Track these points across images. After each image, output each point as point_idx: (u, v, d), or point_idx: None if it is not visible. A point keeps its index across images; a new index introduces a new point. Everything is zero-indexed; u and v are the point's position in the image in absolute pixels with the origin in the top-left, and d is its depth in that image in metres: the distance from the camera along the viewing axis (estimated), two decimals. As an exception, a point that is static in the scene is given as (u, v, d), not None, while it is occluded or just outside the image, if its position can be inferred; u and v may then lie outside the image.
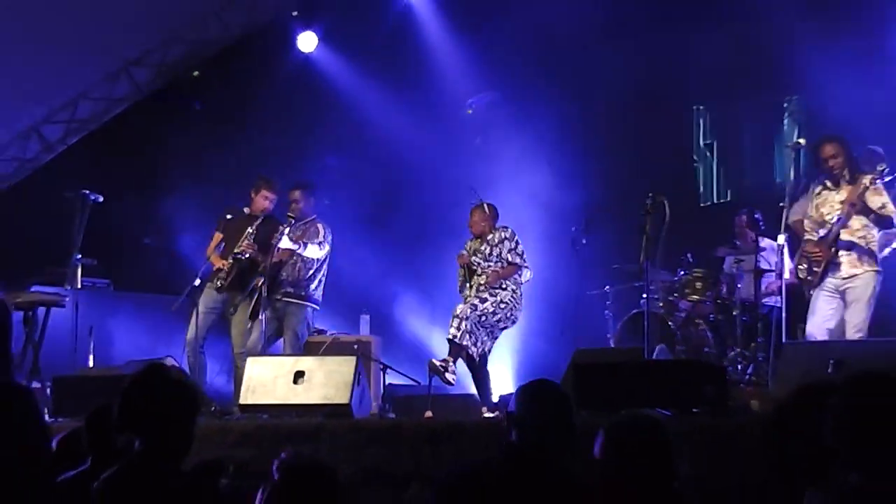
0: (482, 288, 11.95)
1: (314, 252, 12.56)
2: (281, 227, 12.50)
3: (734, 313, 12.78)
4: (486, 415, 11.29)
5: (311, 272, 12.64)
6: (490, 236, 12.14)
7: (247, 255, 12.50)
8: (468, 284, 12.19)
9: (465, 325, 11.64)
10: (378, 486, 8.65)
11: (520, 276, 12.09)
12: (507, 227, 12.22)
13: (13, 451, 4.85)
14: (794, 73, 14.18)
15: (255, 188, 12.78)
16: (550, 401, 5.50)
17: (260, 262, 12.40)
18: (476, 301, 11.79)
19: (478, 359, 11.82)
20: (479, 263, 12.10)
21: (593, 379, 9.14)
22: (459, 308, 11.76)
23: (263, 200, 12.75)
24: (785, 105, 14.94)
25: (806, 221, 10.91)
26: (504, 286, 11.96)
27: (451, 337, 11.64)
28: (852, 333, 10.38)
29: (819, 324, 10.57)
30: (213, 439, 9.25)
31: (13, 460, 4.82)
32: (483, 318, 11.78)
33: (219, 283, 12.51)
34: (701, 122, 15.60)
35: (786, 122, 14.91)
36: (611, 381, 9.12)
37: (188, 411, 5.06)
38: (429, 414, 11.19)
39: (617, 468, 5.07)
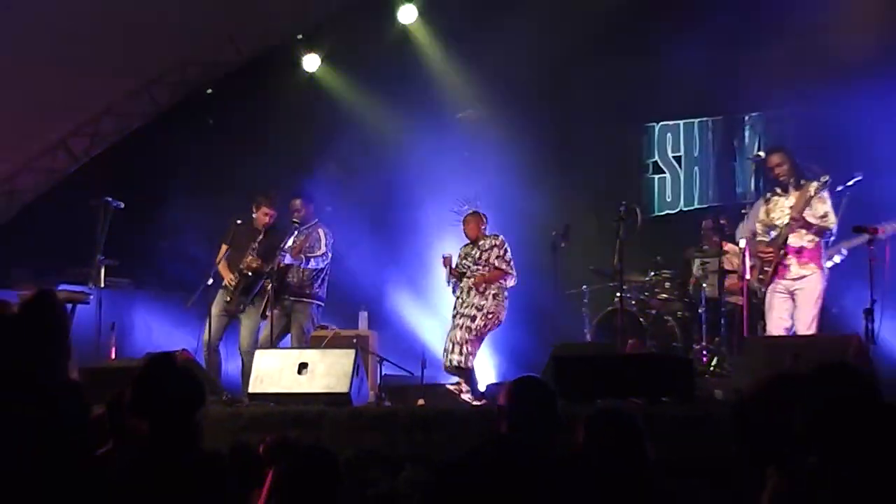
0: (471, 293, 11.90)
1: (315, 264, 12.58)
2: (285, 239, 12.53)
3: (700, 311, 12.79)
4: (474, 403, 11.29)
5: (314, 272, 12.63)
6: (482, 242, 12.15)
7: (250, 273, 12.51)
8: (459, 285, 12.17)
9: (467, 349, 11.64)
10: (375, 467, 8.65)
11: (505, 281, 12.08)
12: (498, 235, 12.23)
13: (66, 440, 4.92)
14: (755, 92, 14.23)
15: (256, 205, 12.78)
16: (538, 396, 5.50)
17: (265, 271, 12.39)
18: (468, 322, 11.76)
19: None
20: (468, 266, 12.10)
21: (571, 370, 9.16)
22: (458, 335, 11.72)
23: (263, 216, 12.74)
24: (746, 119, 14.93)
25: (758, 224, 10.94)
26: (487, 295, 11.91)
27: (457, 364, 11.60)
28: (803, 331, 10.40)
29: (778, 324, 10.59)
30: (224, 424, 9.30)
31: (66, 446, 4.88)
32: (477, 333, 11.78)
33: (227, 297, 12.52)
34: (669, 136, 15.58)
35: (746, 136, 14.91)
36: (587, 372, 9.16)
37: (192, 399, 5.02)
38: (421, 402, 11.21)
39: (596, 457, 5.13)
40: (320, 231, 12.74)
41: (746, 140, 14.89)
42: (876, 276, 10.20)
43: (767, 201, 10.87)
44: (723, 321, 12.53)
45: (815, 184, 10.50)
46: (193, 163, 15.96)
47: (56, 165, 16.96)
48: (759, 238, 10.90)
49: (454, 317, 12.02)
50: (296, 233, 12.60)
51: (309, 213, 12.79)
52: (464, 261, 12.15)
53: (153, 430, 4.88)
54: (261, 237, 12.62)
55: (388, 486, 8.48)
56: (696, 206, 15.22)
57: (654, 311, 13.21)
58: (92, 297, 12.82)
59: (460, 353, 11.64)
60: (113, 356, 12.84)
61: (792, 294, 10.58)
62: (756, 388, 4.69)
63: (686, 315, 13.16)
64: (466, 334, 11.67)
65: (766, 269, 10.70)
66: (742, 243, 11.18)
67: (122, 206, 13.10)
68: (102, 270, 12.88)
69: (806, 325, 10.45)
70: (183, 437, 4.90)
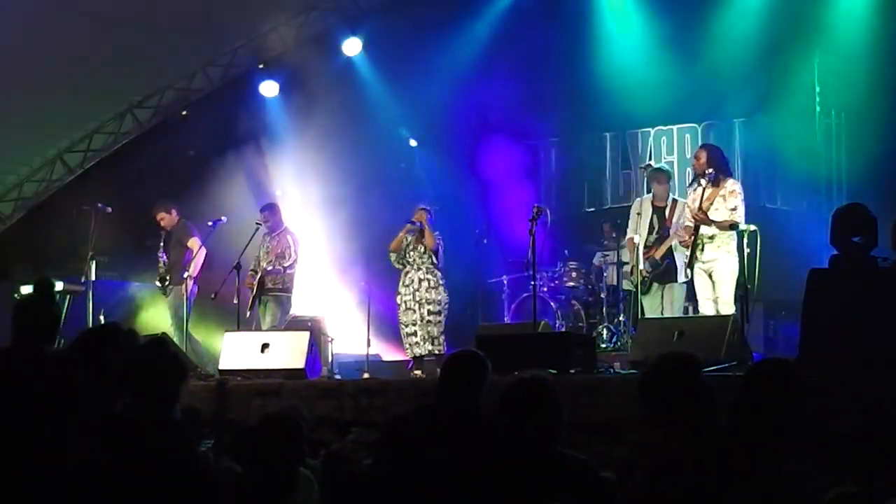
0: (422, 285, 11.75)
1: (288, 270, 12.55)
2: (261, 246, 12.66)
3: (602, 296, 12.86)
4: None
5: (286, 272, 12.55)
6: (426, 240, 11.95)
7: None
8: (406, 264, 12.01)
9: (441, 339, 11.62)
10: (327, 430, 8.65)
11: (438, 260, 11.94)
12: (440, 237, 12.09)
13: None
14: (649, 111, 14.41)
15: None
16: (473, 365, 5.58)
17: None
18: (438, 318, 11.76)
19: None
20: (414, 259, 11.93)
21: (493, 348, 9.09)
22: (436, 330, 11.72)
23: (161, 221, 13.15)
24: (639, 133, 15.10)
25: (686, 209, 10.69)
26: (439, 289, 11.82)
27: (423, 354, 11.55)
28: (722, 307, 10.18)
29: (706, 302, 10.41)
30: (199, 395, 9.27)
31: None
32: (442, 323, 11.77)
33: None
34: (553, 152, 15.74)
35: (640, 148, 15.04)
36: (507, 349, 9.10)
37: (168, 376, 5.17)
38: (366, 375, 11.17)
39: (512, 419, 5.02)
40: (289, 238, 12.65)
41: (640, 151, 14.98)
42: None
43: (695, 190, 10.58)
44: (621, 305, 12.60)
45: (730, 186, 10.39)
46: (170, 174, 15.85)
47: (54, 176, 16.84)
48: (685, 224, 10.67)
49: (409, 305, 11.92)
50: (268, 239, 12.58)
51: (275, 221, 12.71)
52: (410, 252, 12.03)
53: (133, 399, 5.05)
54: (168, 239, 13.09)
55: (338, 446, 8.48)
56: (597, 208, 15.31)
57: (563, 297, 13.24)
58: (84, 290, 12.71)
59: (432, 345, 11.73)
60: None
61: (710, 274, 10.39)
62: (655, 365, 4.76)
63: (590, 300, 13.22)
64: (437, 330, 11.72)
65: (687, 253, 10.51)
66: (636, 238, 11.12)
67: (110, 210, 13.04)
68: (94, 266, 12.75)
69: (723, 300, 10.21)
70: (156, 405, 5.02)
